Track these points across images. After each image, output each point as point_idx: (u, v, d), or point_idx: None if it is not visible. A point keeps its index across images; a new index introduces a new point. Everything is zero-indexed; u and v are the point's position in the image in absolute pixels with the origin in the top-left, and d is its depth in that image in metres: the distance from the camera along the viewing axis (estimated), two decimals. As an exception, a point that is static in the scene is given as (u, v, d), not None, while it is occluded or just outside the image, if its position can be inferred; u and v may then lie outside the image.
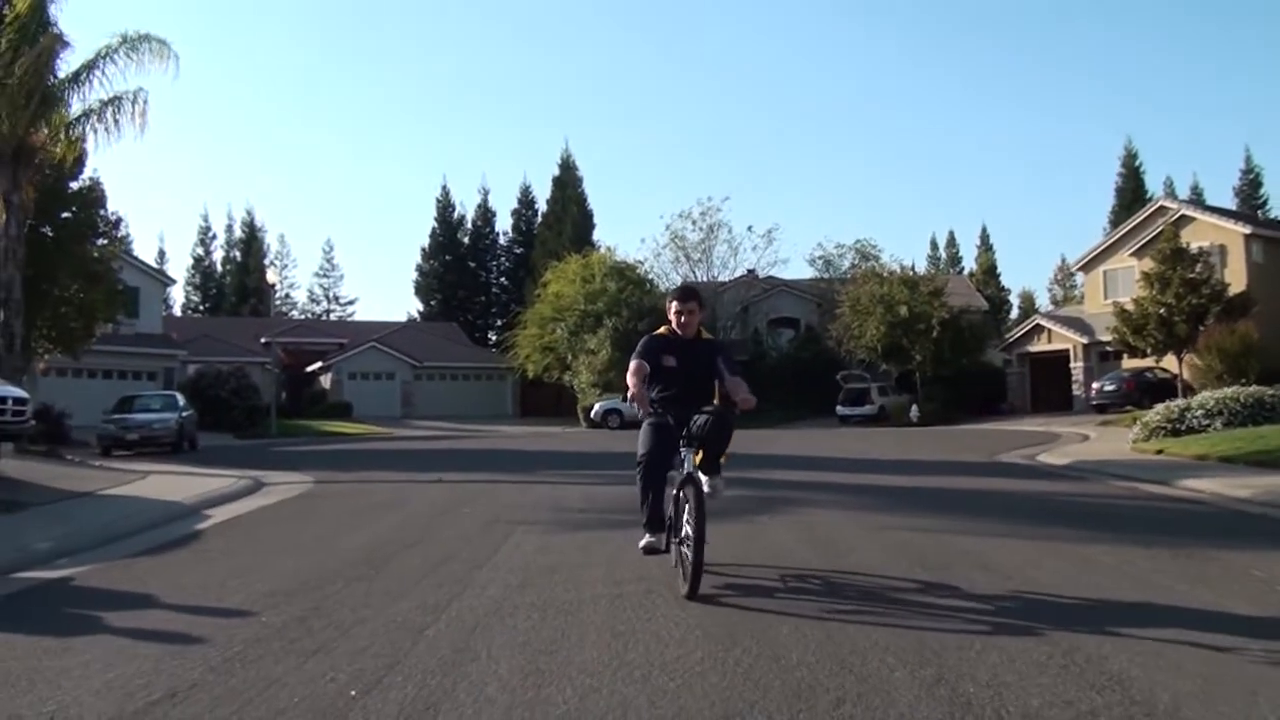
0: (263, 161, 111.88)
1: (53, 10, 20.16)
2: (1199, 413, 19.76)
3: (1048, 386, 44.28)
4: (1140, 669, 4.30)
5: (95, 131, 20.72)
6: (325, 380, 52.74)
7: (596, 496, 12.49)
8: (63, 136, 20.92)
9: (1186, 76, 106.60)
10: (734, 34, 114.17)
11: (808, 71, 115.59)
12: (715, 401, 6.45)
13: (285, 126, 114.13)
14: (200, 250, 75.84)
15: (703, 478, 6.07)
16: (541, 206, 69.05)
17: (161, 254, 73.49)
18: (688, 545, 5.80)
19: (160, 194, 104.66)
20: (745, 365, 49.92)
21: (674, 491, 6.15)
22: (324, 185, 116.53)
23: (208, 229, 76.28)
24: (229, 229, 76.89)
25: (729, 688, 4.13)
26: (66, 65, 20.72)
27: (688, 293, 6.71)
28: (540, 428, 42.62)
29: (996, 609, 5.62)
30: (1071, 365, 43.21)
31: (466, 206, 73.85)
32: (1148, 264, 34.00)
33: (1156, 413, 20.64)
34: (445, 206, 72.42)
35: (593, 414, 42.54)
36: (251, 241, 75.57)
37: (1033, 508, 11.19)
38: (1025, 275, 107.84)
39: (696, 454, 6.14)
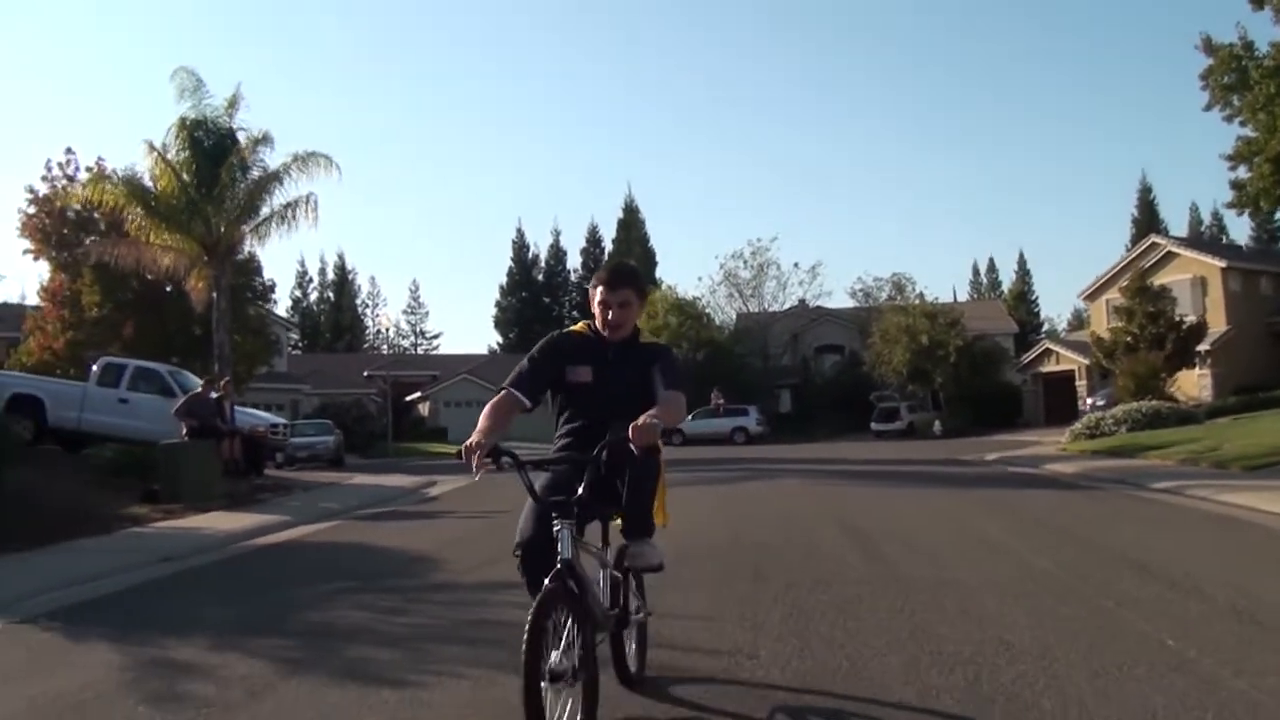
0: (354, 208, 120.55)
1: (262, 151, 26.87)
2: (1110, 421, 26.15)
3: (1059, 402, 49.51)
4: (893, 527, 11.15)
5: (278, 228, 27.57)
6: (424, 408, 60.36)
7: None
8: (256, 235, 27.87)
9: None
10: (786, 81, 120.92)
11: (851, 111, 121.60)
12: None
13: (375, 175, 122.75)
14: (298, 292, 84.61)
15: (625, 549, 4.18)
16: (608, 246, 76.76)
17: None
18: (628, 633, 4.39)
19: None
20: (794, 389, 56.54)
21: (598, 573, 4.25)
22: (410, 230, 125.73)
23: (304, 273, 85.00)
24: (321, 272, 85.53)
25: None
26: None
27: (621, 275, 4.23)
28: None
29: (827, 511, 12.44)
30: (1076, 384, 49.18)
31: (540, 247, 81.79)
32: (1118, 298, 40.02)
33: (1080, 421, 27.07)
34: (520, 247, 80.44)
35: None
36: (343, 284, 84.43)
37: (921, 477, 18.02)
38: (1072, 297, 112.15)
39: (613, 518, 4.20)
